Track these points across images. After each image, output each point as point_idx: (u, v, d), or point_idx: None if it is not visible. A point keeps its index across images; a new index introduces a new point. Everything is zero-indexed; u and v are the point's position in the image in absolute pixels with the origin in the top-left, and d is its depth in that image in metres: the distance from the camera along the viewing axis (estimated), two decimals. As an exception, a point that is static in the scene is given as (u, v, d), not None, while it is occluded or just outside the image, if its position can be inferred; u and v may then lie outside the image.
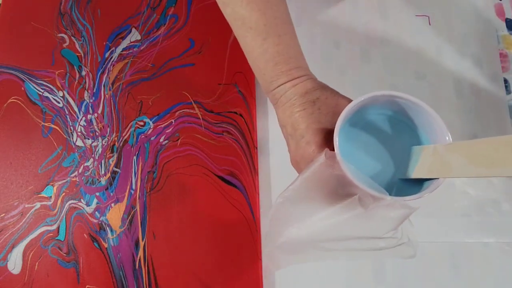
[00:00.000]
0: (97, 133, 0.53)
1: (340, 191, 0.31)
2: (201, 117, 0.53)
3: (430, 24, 0.59)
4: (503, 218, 0.51)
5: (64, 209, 0.50)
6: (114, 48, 0.56)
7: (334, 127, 0.32)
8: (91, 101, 0.54)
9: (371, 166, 0.33)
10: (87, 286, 0.48)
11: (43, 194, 0.51)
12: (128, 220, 0.50)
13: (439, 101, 0.56)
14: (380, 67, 0.57)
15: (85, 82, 0.55)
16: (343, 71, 0.57)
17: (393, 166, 0.33)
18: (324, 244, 0.33)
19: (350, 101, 0.34)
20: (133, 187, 0.51)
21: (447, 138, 0.31)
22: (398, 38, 0.59)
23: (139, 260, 0.48)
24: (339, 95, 0.35)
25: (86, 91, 0.54)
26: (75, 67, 0.55)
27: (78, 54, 0.56)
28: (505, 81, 0.57)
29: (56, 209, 0.50)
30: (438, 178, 0.30)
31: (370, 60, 0.57)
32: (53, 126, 0.53)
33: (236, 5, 0.36)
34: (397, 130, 0.34)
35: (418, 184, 0.32)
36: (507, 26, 0.60)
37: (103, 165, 0.52)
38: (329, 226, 0.33)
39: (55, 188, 0.51)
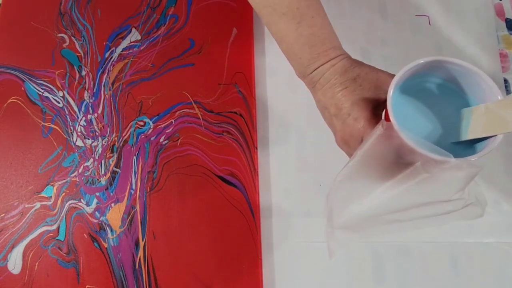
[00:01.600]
0: (97, 133, 0.53)
1: (400, 160, 0.31)
2: (201, 117, 0.53)
3: (430, 24, 0.59)
4: (503, 218, 0.51)
5: (64, 209, 0.50)
6: (114, 48, 0.56)
7: (379, 101, 0.33)
8: (91, 101, 0.54)
9: (424, 132, 0.33)
10: (87, 286, 0.48)
11: (43, 194, 0.51)
12: (128, 220, 0.50)
13: None
14: (380, 67, 0.57)
15: (85, 82, 0.55)
16: None
17: (444, 131, 0.33)
18: (388, 217, 0.32)
19: (388, 73, 0.35)
20: (133, 187, 0.51)
21: (499, 97, 0.31)
22: (398, 38, 0.59)
23: (139, 260, 0.48)
24: (377, 69, 0.35)
25: (86, 91, 0.55)
26: (75, 67, 0.55)
27: (78, 54, 0.56)
28: (505, 81, 0.57)
29: (56, 209, 0.50)
30: (494, 136, 0.30)
31: (370, 60, 0.57)
32: (53, 126, 0.53)
33: None
34: (444, 95, 0.34)
35: (470, 146, 0.32)
36: (507, 26, 0.60)
37: (103, 165, 0.52)
38: (392, 198, 0.32)
39: (55, 188, 0.51)
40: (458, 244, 0.50)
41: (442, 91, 0.34)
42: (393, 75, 0.34)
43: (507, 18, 0.60)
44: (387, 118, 0.32)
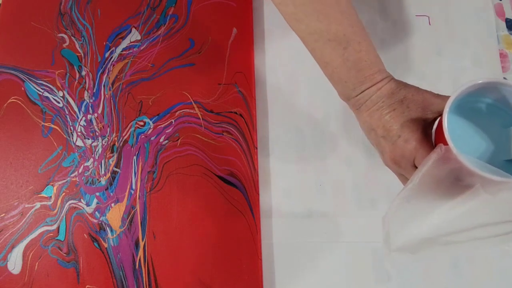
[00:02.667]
0: (97, 133, 0.53)
1: (459, 182, 0.32)
2: (201, 117, 0.53)
3: (430, 24, 0.59)
4: None
5: (64, 209, 0.50)
6: (114, 48, 0.56)
7: (426, 121, 0.34)
8: (91, 101, 0.54)
9: (477, 151, 0.34)
10: (87, 286, 0.48)
11: (43, 194, 0.51)
12: (128, 220, 0.50)
13: None
14: None
15: (85, 82, 0.55)
16: None
17: (495, 149, 0.34)
18: (447, 238, 0.33)
19: (433, 93, 0.36)
20: (133, 187, 0.51)
21: None
22: (398, 38, 0.59)
23: (139, 260, 0.48)
24: (422, 90, 0.36)
25: (86, 91, 0.55)
26: (75, 67, 0.55)
27: (78, 54, 0.56)
28: (505, 81, 0.57)
29: (56, 209, 0.50)
30: None
31: None
32: (53, 126, 0.53)
33: (311, 20, 0.36)
34: (492, 114, 0.35)
35: None
36: (507, 26, 0.60)
37: (103, 165, 0.52)
38: (451, 219, 0.33)
39: (55, 188, 0.51)
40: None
41: (490, 110, 0.35)
42: (437, 95, 0.36)
43: (507, 18, 0.60)
44: (439, 139, 0.33)
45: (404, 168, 0.36)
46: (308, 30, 0.37)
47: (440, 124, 0.33)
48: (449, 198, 0.33)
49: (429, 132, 0.35)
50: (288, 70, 0.57)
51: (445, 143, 0.31)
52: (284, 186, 0.53)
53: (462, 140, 0.33)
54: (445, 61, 0.58)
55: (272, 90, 0.56)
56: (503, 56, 0.58)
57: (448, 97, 0.34)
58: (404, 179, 0.38)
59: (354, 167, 0.53)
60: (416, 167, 0.35)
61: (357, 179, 0.53)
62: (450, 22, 0.60)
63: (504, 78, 0.57)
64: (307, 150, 0.54)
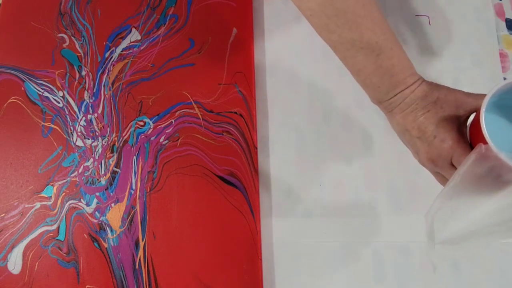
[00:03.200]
0: (97, 133, 0.53)
1: (499, 178, 0.33)
2: (201, 117, 0.53)
3: (430, 24, 0.59)
4: None
5: (64, 209, 0.50)
6: (114, 48, 0.56)
7: (460, 119, 0.35)
8: (91, 101, 0.54)
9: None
10: (87, 286, 0.48)
11: (43, 194, 0.51)
12: (128, 220, 0.50)
13: None
14: None
15: (85, 82, 0.55)
16: (343, 71, 0.57)
17: None
18: (489, 229, 0.34)
19: (464, 92, 0.36)
20: (133, 187, 0.51)
21: None
22: (398, 38, 0.58)
23: (139, 260, 0.48)
24: (454, 90, 0.37)
25: (86, 91, 0.55)
26: (75, 67, 0.56)
27: (78, 54, 0.56)
28: (505, 81, 0.57)
29: (56, 209, 0.50)
30: None
31: None
32: (53, 126, 0.53)
33: (344, 30, 0.36)
34: None
35: None
36: (507, 26, 0.60)
37: (103, 165, 0.52)
38: (493, 213, 0.34)
39: (55, 188, 0.51)
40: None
41: None
42: (468, 94, 0.37)
43: (507, 18, 0.60)
44: (475, 136, 0.34)
45: (441, 167, 0.37)
46: (340, 40, 0.37)
47: (474, 122, 0.34)
48: (490, 194, 0.34)
49: (463, 131, 0.36)
50: (288, 70, 0.57)
51: (482, 141, 0.32)
52: (284, 186, 0.53)
53: (498, 137, 0.34)
54: (445, 61, 0.58)
55: (272, 90, 0.56)
56: (503, 56, 0.58)
57: (480, 95, 0.34)
58: (441, 177, 0.39)
59: (354, 167, 0.53)
60: (453, 165, 0.36)
61: (357, 179, 0.53)
62: (450, 22, 0.60)
63: (504, 78, 0.57)
64: (307, 150, 0.54)
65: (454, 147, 0.35)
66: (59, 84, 0.55)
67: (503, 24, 0.60)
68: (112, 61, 0.56)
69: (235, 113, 0.54)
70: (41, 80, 0.55)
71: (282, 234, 0.51)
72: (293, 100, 0.56)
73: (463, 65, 0.57)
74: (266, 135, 0.54)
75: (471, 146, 0.35)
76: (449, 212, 0.35)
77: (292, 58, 0.57)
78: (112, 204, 0.50)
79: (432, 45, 0.58)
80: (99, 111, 0.54)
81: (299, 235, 0.51)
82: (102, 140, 0.53)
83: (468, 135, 0.37)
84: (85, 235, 0.49)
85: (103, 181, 0.51)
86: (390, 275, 0.49)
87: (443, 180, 0.39)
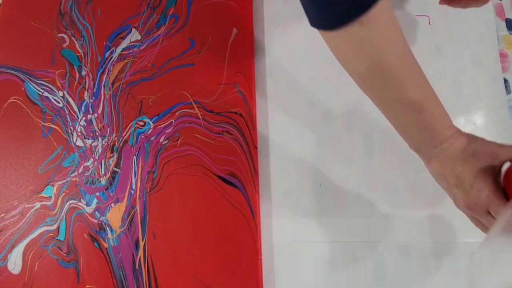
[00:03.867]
0: (97, 133, 0.53)
1: None
2: (201, 117, 0.53)
3: (430, 24, 0.59)
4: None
5: (64, 209, 0.50)
6: (114, 48, 0.56)
7: (495, 170, 0.37)
8: (91, 101, 0.54)
9: None
10: (87, 286, 0.48)
11: (43, 194, 0.51)
12: (128, 220, 0.50)
13: None
14: None
15: (85, 82, 0.55)
16: (343, 71, 0.57)
17: None
18: None
19: (498, 144, 0.38)
20: (133, 187, 0.51)
21: None
22: None
23: (139, 260, 0.48)
24: (488, 141, 0.39)
25: (86, 91, 0.55)
26: (75, 67, 0.56)
27: (78, 54, 0.56)
28: (505, 81, 0.57)
29: (56, 209, 0.50)
30: None
31: None
32: (53, 126, 0.53)
33: (388, 90, 0.38)
34: None
35: None
36: (507, 26, 0.60)
37: (103, 165, 0.52)
38: None
39: (55, 188, 0.51)
40: (458, 244, 0.51)
41: None
42: (501, 145, 0.38)
43: (507, 18, 0.60)
44: (509, 186, 0.36)
45: (478, 213, 0.39)
46: (385, 98, 0.39)
47: (508, 173, 0.37)
48: None
49: (498, 180, 0.38)
50: (288, 70, 0.57)
51: None
52: (284, 186, 0.53)
53: None
54: (445, 61, 0.58)
55: (272, 90, 0.56)
56: (503, 56, 0.58)
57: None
58: (477, 221, 0.41)
59: (354, 167, 0.53)
60: (490, 213, 0.38)
61: (357, 179, 0.53)
62: (450, 22, 0.60)
63: (504, 78, 0.57)
64: (307, 150, 0.54)
65: (491, 197, 0.37)
66: (59, 84, 0.55)
67: (503, 24, 0.60)
68: (112, 61, 0.56)
69: (235, 113, 0.54)
70: (41, 80, 0.55)
71: (282, 234, 0.51)
72: (293, 100, 0.56)
73: (463, 65, 0.58)
74: (266, 135, 0.54)
75: (505, 195, 0.37)
76: (489, 263, 0.36)
77: (292, 58, 0.57)
78: (112, 204, 0.50)
79: (432, 45, 0.58)
80: (99, 111, 0.54)
81: (299, 235, 0.51)
82: (102, 140, 0.53)
83: (502, 183, 0.38)
84: (85, 235, 0.49)
85: (103, 181, 0.51)
86: (390, 275, 0.49)
87: (479, 224, 0.41)
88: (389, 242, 0.51)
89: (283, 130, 0.55)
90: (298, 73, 0.57)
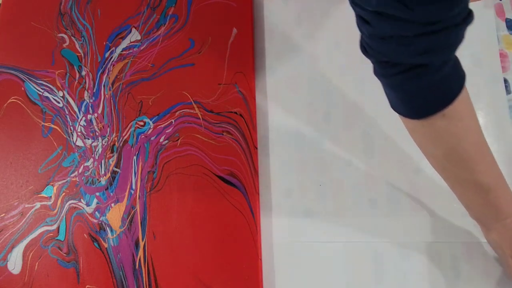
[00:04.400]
0: (97, 133, 0.53)
1: None
2: (201, 117, 0.54)
3: None
4: None
5: (64, 209, 0.50)
6: (114, 48, 0.56)
7: None
8: (91, 101, 0.54)
9: None
10: (87, 286, 0.48)
11: (43, 194, 0.51)
12: (128, 220, 0.50)
13: None
14: None
15: (85, 82, 0.55)
16: (343, 71, 0.57)
17: None
18: None
19: None
20: (133, 187, 0.51)
21: None
22: None
23: (139, 260, 0.49)
24: None
25: (86, 91, 0.55)
26: (75, 67, 0.56)
27: (78, 54, 0.56)
28: (505, 81, 0.57)
29: (56, 209, 0.50)
30: None
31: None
32: (53, 126, 0.53)
33: (460, 171, 0.40)
34: None
35: None
36: (507, 26, 0.60)
37: (103, 165, 0.52)
38: None
39: (55, 188, 0.51)
40: (458, 244, 0.51)
41: None
42: None
43: (507, 18, 0.60)
44: None
45: None
46: (455, 178, 0.42)
47: None
48: None
49: None
50: (288, 70, 0.57)
51: None
52: (284, 186, 0.53)
53: None
54: None
55: (272, 90, 0.56)
56: (503, 56, 0.58)
57: None
58: None
59: (354, 167, 0.53)
60: None
61: (357, 179, 0.53)
62: None
63: (504, 78, 0.57)
64: (307, 150, 0.54)
65: None
66: (59, 84, 0.55)
67: (503, 24, 0.60)
68: (112, 61, 0.56)
69: (235, 113, 0.54)
70: (41, 80, 0.55)
71: (282, 234, 0.51)
72: (293, 100, 0.56)
73: (463, 65, 0.58)
74: (266, 135, 0.54)
75: None
76: None
77: (292, 58, 0.58)
78: (112, 204, 0.50)
79: None
80: (99, 111, 0.54)
81: (299, 235, 0.51)
82: (102, 140, 0.53)
83: None
84: (85, 235, 0.49)
85: (103, 181, 0.51)
86: (390, 275, 0.49)
87: None
88: (389, 242, 0.51)
89: (283, 130, 0.55)
90: (298, 73, 0.57)
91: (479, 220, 0.44)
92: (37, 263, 0.48)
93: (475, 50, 0.58)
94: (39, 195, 0.51)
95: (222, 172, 0.51)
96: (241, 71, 0.55)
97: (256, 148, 0.53)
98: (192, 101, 0.54)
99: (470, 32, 0.59)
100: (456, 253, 0.50)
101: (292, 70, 0.57)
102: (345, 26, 0.59)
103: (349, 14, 0.59)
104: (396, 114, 0.52)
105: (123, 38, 0.57)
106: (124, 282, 0.48)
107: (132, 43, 0.57)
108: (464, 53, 0.57)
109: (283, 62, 0.58)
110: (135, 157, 0.52)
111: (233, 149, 0.52)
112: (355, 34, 0.58)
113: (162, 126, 0.53)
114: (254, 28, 0.58)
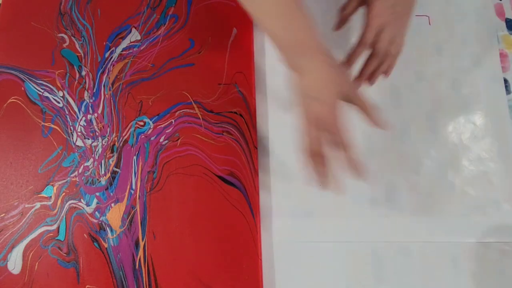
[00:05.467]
0: (97, 133, 0.53)
1: None
2: (201, 117, 0.54)
3: (430, 24, 0.60)
4: (503, 218, 0.52)
5: (64, 209, 0.50)
6: (114, 48, 0.57)
7: None
8: (91, 101, 0.55)
9: None
10: (87, 286, 0.48)
11: (43, 194, 0.51)
12: (128, 220, 0.50)
13: (439, 101, 0.56)
14: None
15: (85, 82, 0.55)
16: None
17: None
18: None
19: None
20: (133, 187, 0.51)
21: None
22: None
23: (139, 260, 0.49)
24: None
25: (86, 91, 0.55)
26: (75, 67, 0.56)
27: (78, 54, 0.56)
28: (505, 81, 0.58)
29: (56, 209, 0.50)
30: None
31: None
32: (53, 126, 0.54)
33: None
34: None
35: None
36: (507, 26, 0.60)
37: (103, 165, 0.52)
38: None
39: (55, 188, 0.51)
40: (458, 244, 0.51)
41: None
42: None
43: (507, 18, 0.61)
44: None
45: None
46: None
47: None
48: None
49: None
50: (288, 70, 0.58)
51: None
52: (284, 186, 0.53)
53: None
54: (445, 61, 0.58)
55: (272, 90, 0.57)
56: (503, 56, 0.59)
57: None
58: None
59: (354, 167, 0.54)
60: None
61: (357, 179, 0.53)
62: (450, 22, 0.60)
63: (504, 78, 0.58)
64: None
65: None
66: (59, 84, 0.55)
67: (503, 24, 0.61)
68: (112, 61, 0.56)
69: (235, 113, 0.54)
70: (41, 80, 0.55)
71: (282, 234, 0.51)
72: (293, 100, 0.56)
73: (463, 65, 0.58)
74: (266, 135, 0.55)
75: None
76: None
77: None
78: (112, 204, 0.51)
79: (432, 45, 0.59)
80: (99, 111, 0.54)
81: (299, 235, 0.51)
82: (102, 140, 0.53)
83: None
84: (85, 235, 0.50)
85: (103, 181, 0.52)
86: (390, 275, 0.50)
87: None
88: (389, 242, 0.51)
89: (283, 130, 0.55)
90: None
91: (287, 55, 0.43)
92: (37, 263, 0.49)
93: (475, 50, 0.59)
94: (39, 195, 0.51)
95: (222, 172, 0.52)
96: (241, 71, 0.56)
97: (256, 148, 0.53)
98: (192, 101, 0.54)
99: (470, 32, 0.59)
100: (456, 253, 0.50)
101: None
102: (345, 26, 0.59)
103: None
104: (396, 115, 0.53)
105: (123, 38, 0.57)
106: (124, 282, 0.48)
107: (132, 43, 0.57)
108: (464, 53, 0.58)
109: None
110: (135, 157, 0.52)
111: (233, 149, 0.53)
112: (355, 34, 0.59)
113: (162, 126, 0.53)
114: (254, 28, 0.58)
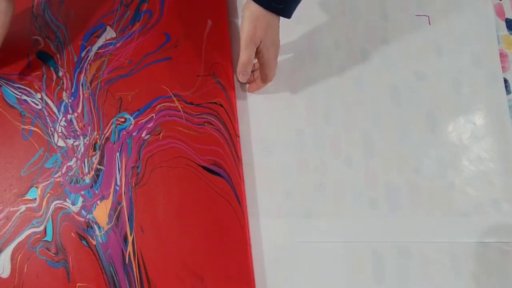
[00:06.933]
0: (78, 132, 0.54)
1: None
2: (181, 110, 0.55)
3: (430, 24, 0.61)
4: (503, 218, 0.53)
5: (50, 210, 0.51)
6: (89, 47, 0.58)
7: None
8: (70, 101, 0.56)
9: None
10: (78, 284, 0.49)
11: (27, 197, 0.52)
12: (115, 216, 0.51)
13: (439, 101, 0.58)
14: (380, 67, 0.59)
15: (63, 83, 0.56)
16: (343, 71, 0.59)
17: None
18: None
19: None
20: (118, 183, 0.52)
21: None
22: (398, 38, 0.61)
23: (129, 254, 0.50)
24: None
25: (64, 92, 0.56)
26: (51, 68, 0.57)
27: (54, 56, 0.57)
28: (505, 81, 0.59)
29: (42, 211, 0.51)
30: None
31: (370, 60, 0.59)
32: (33, 128, 0.55)
33: None
34: None
35: None
36: (507, 26, 0.62)
37: (86, 163, 0.53)
38: None
39: (39, 189, 0.52)
40: (458, 244, 0.52)
41: None
42: None
43: (507, 18, 0.62)
44: None
45: None
46: None
47: None
48: None
49: None
50: (288, 70, 0.59)
51: None
52: (284, 186, 0.54)
53: None
54: (445, 61, 0.59)
55: (272, 90, 0.58)
56: (503, 56, 0.60)
57: None
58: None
59: (354, 167, 0.55)
60: None
61: (357, 179, 0.55)
62: (450, 22, 0.61)
63: (504, 78, 0.59)
64: (307, 150, 0.56)
65: None
66: (36, 87, 0.56)
67: (503, 24, 0.62)
68: (89, 60, 0.57)
69: (215, 103, 0.56)
70: (18, 84, 0.56)
71: (282, 234, 0.53)
72: (293, 100, 0.57)
73: (463, 65, 0.59)
74: (247, 123, 0.56)
75: None
76: None
77: (292, 58, 0.60)
78: (98, 202, 0.52)
79: (432, 45, 0.61)
80: (79, 111, 0.55)
81: (299, 235, 0.53)
82: (84, 139, 0.54)
83: None
84: (72, 234, 0.51)
85: (87, 179, 0.53)
86: (390, 275, 0.51)
87: None
88: (389, 242, 0.52)
89: (283, 130, 0.57)
90: (298, 73, 0.59)
91: None
92: (26, 265, 0.50)
93: (475, 50, 0.60)
94: (24, 198, 0.52)
95: (206, 162, 0.53)
96: (218, 62, 0.57)
97: (238, 137, 0.55)
98: (172, 95, 0.56)
99: (470, 32, 0.60)
100: (456, 253, 0.52)
101: (292, 70, 0.59)
102: (345, 26, 0.61)
103: (349, 14, 0.61)
104: (396, 115, 0.53)
105: (98, 36, 0.58)
106: (115, 278, 0.49)
107: (108, 41, 0.58)
108: (464, 53, 0.60)
109: (282, 61, 0.59)
110: (118, 154, 0.53)
111: (215, 139, 0.54)
112: (355, 34, 0.61)
113: (143, 121, 0.55)
114: (229, 17, 0.60)
